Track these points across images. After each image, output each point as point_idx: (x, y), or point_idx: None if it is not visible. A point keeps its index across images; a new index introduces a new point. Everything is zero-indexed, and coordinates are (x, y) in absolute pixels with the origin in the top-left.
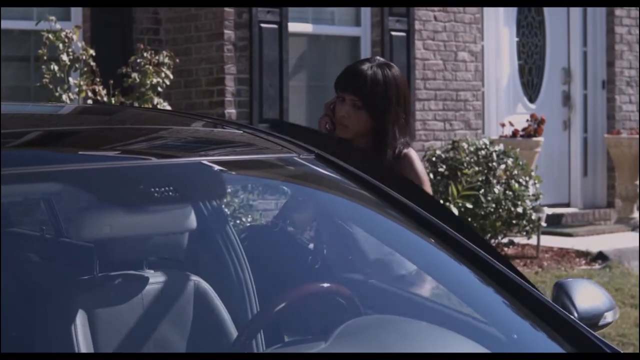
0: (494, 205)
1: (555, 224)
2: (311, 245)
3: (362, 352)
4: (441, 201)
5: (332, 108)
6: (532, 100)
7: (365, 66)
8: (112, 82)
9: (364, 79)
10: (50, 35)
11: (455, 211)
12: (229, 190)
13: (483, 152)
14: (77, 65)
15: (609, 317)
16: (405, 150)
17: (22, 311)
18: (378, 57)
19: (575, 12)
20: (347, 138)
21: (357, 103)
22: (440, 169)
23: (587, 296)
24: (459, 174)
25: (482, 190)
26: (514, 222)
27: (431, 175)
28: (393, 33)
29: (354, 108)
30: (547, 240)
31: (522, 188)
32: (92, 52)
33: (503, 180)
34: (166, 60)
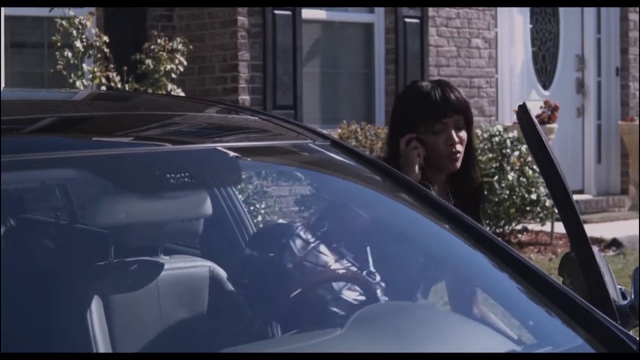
0: (507, 192)
1: None
2: (326, 232)
3: (377, 338)
4: None
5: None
6: (545, 87)
7: (437, 90)
8: (125, 68)
9: (458, 96)
10: (63, 22)
11: None
12: (243, 176)
13: (497, 139)
14: (90, 52)
15: None
16: None
17: (37, 298)
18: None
19: None
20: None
21: (461, 121)
22: None
23: None
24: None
25: (496, 177)
26: (527, 208)
27: None
28: (407, 20)
29: (457, 130)
30: (561, 227)
31: (536, 175)
32: (105, 38)
33: (517, 167)
34: (180, 46)
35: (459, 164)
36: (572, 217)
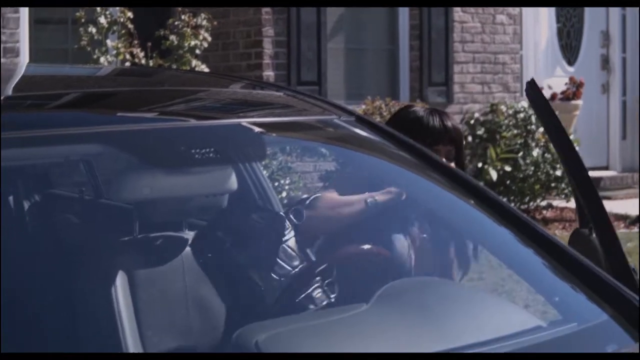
0: (532, 168)
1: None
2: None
3: (403, 313)
4: (479, 165)
5: None
6: (570, 63)
7: (435, 117)
8: (149, 44)
9: (454, 125)
10: None
11: (494, 174)
12: (268, 152)
13: (522, 115)
14: (114, 28)
15: None
16: None
17: (62, 273)
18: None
19: None
20: None
21: (452, 151)
22: (479, 132)
23: None
24: (497, 137)
25: (521, 153)
26: (552, 185)
27: (469, 139)
28: None
29: (448, 161)
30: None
31: None
32: (129, 14)
33: (542, 143)
34: (204, 22)
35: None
36: (589, 193)
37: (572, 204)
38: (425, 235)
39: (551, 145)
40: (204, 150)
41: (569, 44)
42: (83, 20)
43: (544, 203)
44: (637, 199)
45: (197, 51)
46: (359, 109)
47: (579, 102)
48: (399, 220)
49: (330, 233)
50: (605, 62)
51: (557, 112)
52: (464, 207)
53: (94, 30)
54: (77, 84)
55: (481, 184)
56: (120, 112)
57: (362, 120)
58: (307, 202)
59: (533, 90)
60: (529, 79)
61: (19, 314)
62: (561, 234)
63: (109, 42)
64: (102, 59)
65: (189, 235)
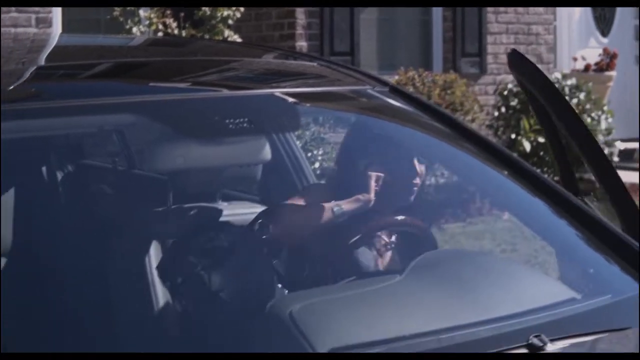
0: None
1: (627, 159)
2: (385, 179)
3: (437, 284)
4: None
5: None
6: (604, 34)
7: None
8: (182, 14)
9: None
10: None
11: (527, 146)
12: (301, 122)
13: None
14: None
15: None
16: None
17: (96, 244)
18: None
19: None
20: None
21: None
22: (512, 103)
23: None
24: (530, 108)
25: None
26: None
27: (503, 110)
28: None
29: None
30: (622, 176)
31: (594, 122)
32: None
33: None
34: None
35: (412, 199)
36: (602, 164)
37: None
38: (459, 206)
39: (584, 116)
40: (238, 121)
41: (603, 15)
42: None
43: (577, 175)
44: None
45: (230, 21)
46: (392, 79)
47: (613, 73)
48: (433, 191)
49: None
50: (639, 33)
51: (590, 84)
52: (497, 178)
53: None
54: (110, 54)
55: (514, 155)
56: (153, 82)
57: (396, 91)
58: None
59: (518, 59)
60: (510, 49)
61: (54, 285)
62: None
63: (141, 13)
64: (134, 29)
65: (223, 206)
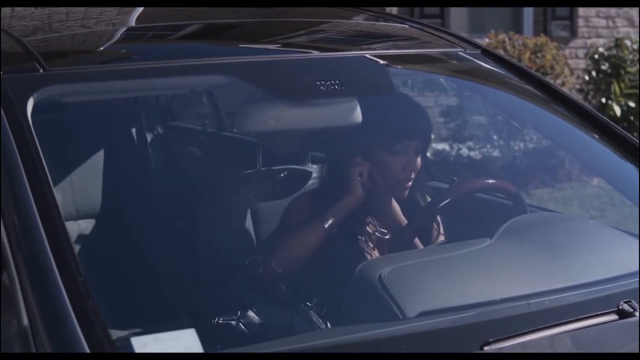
0: None
1: None
2: (478, 141)
3: (526, 248)
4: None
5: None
6: None
7: None
8: None
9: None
10: None
11: (618, 110)
12: (393, 84)
13: None
14: None
15: None
16: None
17: (185, 205)
18: None
19: None
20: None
21: (420, 147)
22: (603, 67)
23: None
24: (621, 72)
25: None
26: None
27: (593, 73)
28: None
29: (415, 155)
30: None
31: None
32: None
33: None
34: None
35: (406, 194)
36: None
37: None
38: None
39: None
40: (329, 82)
41: None
42: None
43: None
44: None
45: None
46: (482, 42)
47: None
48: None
49: (452, 168)
50: None
51: None
52: (588, 141)
53: None
54: (200, 16)
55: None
56: (243, 43)
57: (487, 53)
58: None
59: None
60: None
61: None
62: None
63: None
64: None
65: (313, 168)
